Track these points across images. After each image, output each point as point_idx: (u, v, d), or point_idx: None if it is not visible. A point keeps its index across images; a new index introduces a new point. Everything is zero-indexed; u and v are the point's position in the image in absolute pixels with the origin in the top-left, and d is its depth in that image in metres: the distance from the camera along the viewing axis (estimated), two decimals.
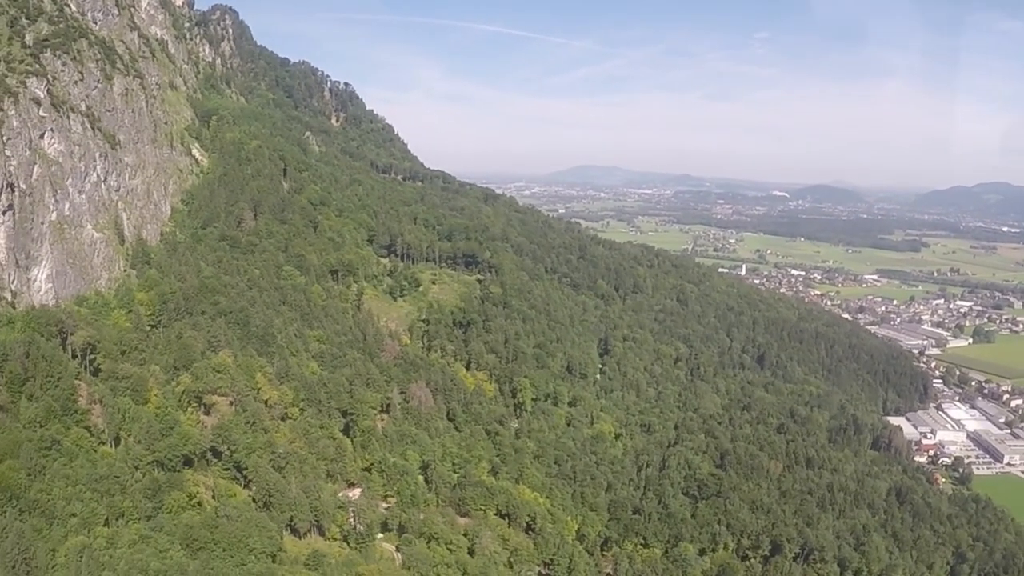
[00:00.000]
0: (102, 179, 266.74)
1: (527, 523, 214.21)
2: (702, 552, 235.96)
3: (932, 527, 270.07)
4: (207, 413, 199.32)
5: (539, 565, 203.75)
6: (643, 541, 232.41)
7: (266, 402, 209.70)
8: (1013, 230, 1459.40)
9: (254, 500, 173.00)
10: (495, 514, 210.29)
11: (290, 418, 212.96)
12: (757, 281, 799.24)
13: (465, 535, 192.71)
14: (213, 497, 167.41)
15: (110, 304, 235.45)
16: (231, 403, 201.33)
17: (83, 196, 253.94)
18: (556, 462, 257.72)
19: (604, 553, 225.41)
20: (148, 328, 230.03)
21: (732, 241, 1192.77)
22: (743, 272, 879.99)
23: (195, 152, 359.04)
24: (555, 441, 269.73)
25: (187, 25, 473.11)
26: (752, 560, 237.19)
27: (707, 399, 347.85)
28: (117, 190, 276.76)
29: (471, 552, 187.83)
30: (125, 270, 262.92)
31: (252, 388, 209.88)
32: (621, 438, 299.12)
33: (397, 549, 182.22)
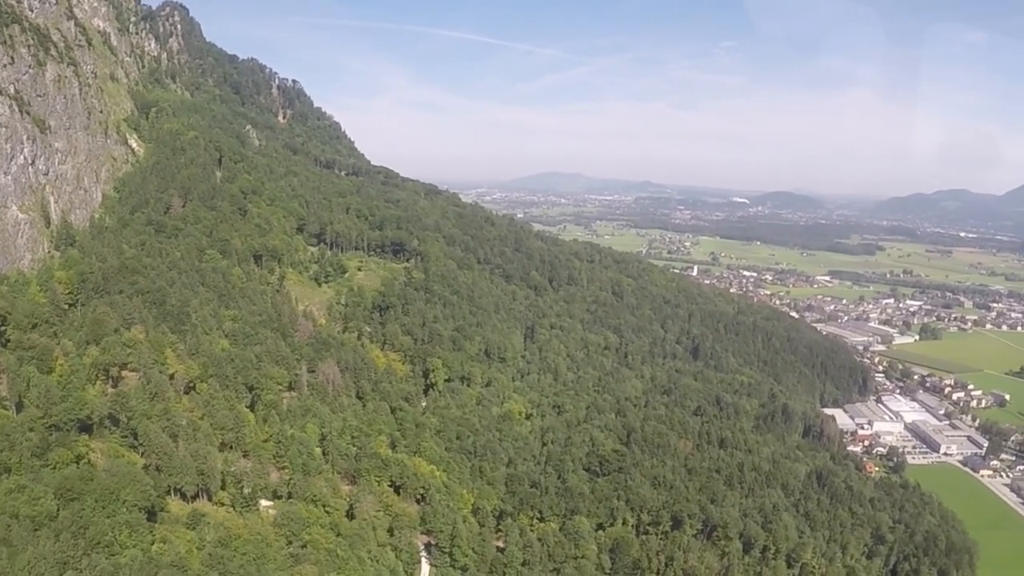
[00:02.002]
0: (29, 162, 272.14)
1: (421, 494, 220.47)
2: (600, 527, 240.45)
3: (851, 509, 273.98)
4: (115, 386, 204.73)
5: (424, 533, 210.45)
6: (539, 515, 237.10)
7: (172, 376, 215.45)
8: (970, 235, 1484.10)
9: (146, 467, 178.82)
10: (388, 485, 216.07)
11: (196, 392, 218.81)
12: (708, 281, 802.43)
13: (346, 500, 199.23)
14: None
15: (31, 283, 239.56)
16: (140, 378, 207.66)
17: (8, 177, 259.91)
18: (458, 437, 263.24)
19: (499, 527, 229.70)
20: (66, 306, 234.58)
21: (687, 244, 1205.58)
22: (694, 273, 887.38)
23: (132, 142, 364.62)
24: (459, 418, 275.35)
25: (133, 19, 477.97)
26: (651, 535, 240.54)
27: (628, 384, 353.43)
28: (45, 174, 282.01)
29: (350, 516, 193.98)
30: (50, 252, 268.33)
31: (160, 362, 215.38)
32: (532, 418, 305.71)
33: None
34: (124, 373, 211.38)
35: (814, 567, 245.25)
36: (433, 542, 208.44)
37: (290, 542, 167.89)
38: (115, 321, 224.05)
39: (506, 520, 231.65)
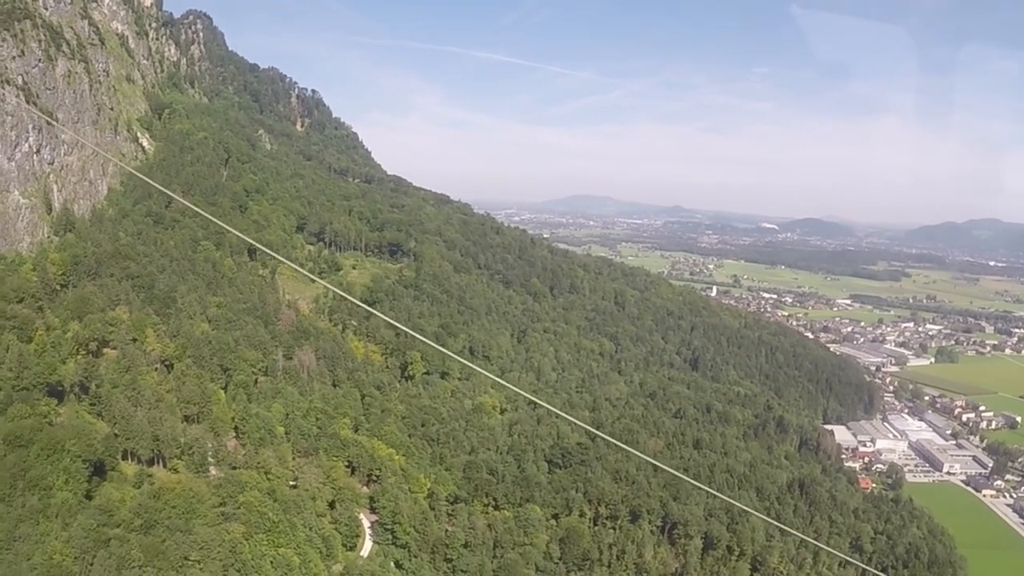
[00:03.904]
0: (35, 150, 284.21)
1: (377, 475, 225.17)
2: (555, 517, 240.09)
3: (830, 518, 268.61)
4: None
5: (372, 511, 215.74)
6: (494, 502, 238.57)
7: (148, 352, 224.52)
8: (1000, 264, 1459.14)
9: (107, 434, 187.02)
10: (345, 465, 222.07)
11: (171, 370, 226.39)
12: (726, 302, 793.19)
13: (292, 471, 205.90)
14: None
15: (27, 263, 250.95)
16: (118, 354, 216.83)
17: (12, 164, 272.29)
18: (422, 424, 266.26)
19: (452, 511, 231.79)
20: (57, 287, 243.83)
21: (711, 267, 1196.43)
22: (713, 293, 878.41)
23: (143, 141, 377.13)
24: (427, 407, 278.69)
25: (153, 25, 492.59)
26: (606, 527, 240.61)
27: (613, 387, 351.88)
28: (51, 163, 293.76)
29: (293, 487, 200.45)
30: (49, 236, 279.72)
31: (140, 340, 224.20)
32: (506, 412, 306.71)
33: None
34: (105, 350, 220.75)
35: (781, 571, 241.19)
36: (377, 520, 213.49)
37: (224, 503, 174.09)
38: (101, 301, 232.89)
39: (459, 505, 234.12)
